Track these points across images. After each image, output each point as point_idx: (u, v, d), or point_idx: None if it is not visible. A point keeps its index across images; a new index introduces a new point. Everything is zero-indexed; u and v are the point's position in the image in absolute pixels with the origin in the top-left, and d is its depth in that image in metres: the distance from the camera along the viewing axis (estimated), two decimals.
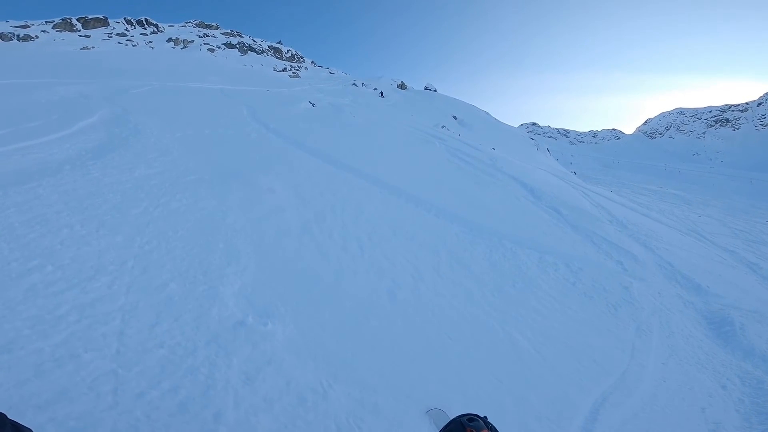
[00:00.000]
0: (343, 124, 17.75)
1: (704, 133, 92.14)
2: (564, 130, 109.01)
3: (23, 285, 3.78)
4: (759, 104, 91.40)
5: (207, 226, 5.81)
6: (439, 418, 3.36)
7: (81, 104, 12.44)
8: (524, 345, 4.85)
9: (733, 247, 13.40)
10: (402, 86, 45.61)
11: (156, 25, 56.16)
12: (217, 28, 62.55)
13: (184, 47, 51.27)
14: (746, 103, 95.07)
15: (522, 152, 25.70)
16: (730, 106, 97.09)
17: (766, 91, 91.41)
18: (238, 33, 62.01)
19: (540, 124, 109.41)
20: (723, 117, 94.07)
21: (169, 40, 51.94)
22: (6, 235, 4.53)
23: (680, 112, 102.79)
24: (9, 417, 1.45)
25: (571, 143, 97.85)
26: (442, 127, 23.78)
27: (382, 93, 34.64)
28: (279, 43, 63.58)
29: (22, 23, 43.28)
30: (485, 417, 1.65)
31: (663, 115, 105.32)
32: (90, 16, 49.68)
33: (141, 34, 52.29)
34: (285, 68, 50.69)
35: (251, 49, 57.68)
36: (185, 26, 61.02)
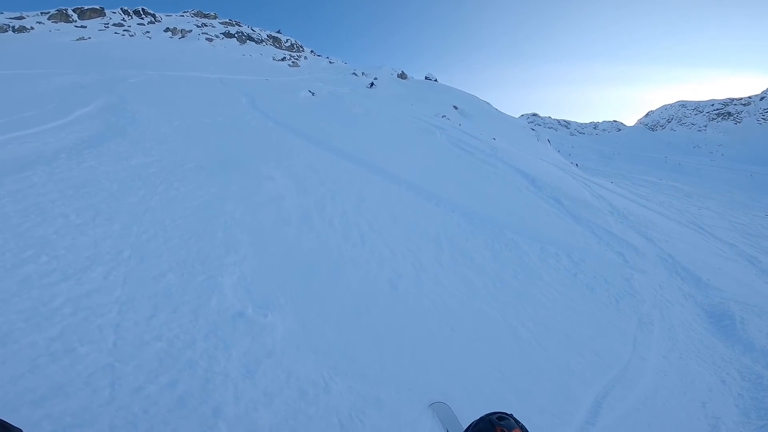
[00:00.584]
0: (343, 113, 17.57)
1: (706, 126, 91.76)
2: (565, 121, 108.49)
3: (17, 276, 3.70)
4: (762, 98, 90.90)
5: (205, 214, 5.73)
6: (442, 412, 3.32)
7: (77, 94, 12.25)
8: (526, 337, 4.81)
9: (732, 240, 13.39)
10: (402, 76, 45.19)
11: (153, 15, 55.35)
12: (215, 17, 61.69)
13: (182, 37, 50.62)
14: (749, 97, 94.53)
15: (523, 143, 25.55)
16: (732, 99, 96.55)
17: None
18: (236, 22, 61.19)
19: (541, 115, 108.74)
20: (725, 110, 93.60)
21: (167, 29, 51.24)
22: (0, 224, 4.44)
23: (682, 104, 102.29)
24: None
25: (572, 134, 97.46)
26: (443, 117, 23.58)
27: (372, 83, 32.73)
28: (278, 32, 62.78)
29: (18, 14, 42.61)
30: (512, 414, 1.60)
31: (665, 108, 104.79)
32: (86, 7, 48.91)
33: (138, 24, 51.55)
34: (284, 57, 50.12)
35: (250, 38, 56.96)
36: (183, 16, 60.17)
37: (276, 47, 58.36)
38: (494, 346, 4.52)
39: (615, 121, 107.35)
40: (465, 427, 3.06)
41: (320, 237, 5.99)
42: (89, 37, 39.12)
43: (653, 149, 76.13)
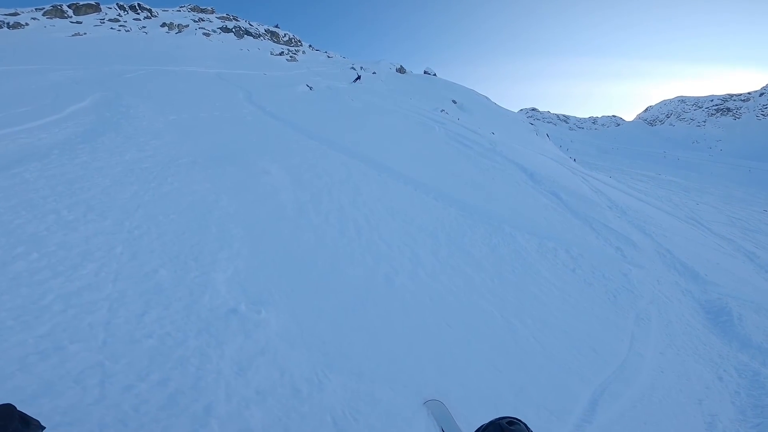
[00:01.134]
0: (341, 107, 17.45)
1: (705, 122, 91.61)
2: (564, 115, 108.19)
3: (7, 274, 3.65)
4: (761, 94, 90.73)
5: (199, 209, 5.66)
6: (437, 410, 3.29)
7: (72, 89, 12.12)
8: (523, 333, 4.77)
9: (730, 235, 13.35)
10: (401, 70, 44.93)
11: (149, 10, 54.86)
12: (212, 12, 61.17)
13: (179, 32, 50.24)
14: (748, 93, 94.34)
15: (522, 137, 25.46)
16: (731, 95, 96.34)
17: None
18: (234, 17, 60.70)
19: (540, 110, 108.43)
20: (724, 106, 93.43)
21: (164, 24, 50.83)
22: None
23: (681, 100, 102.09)
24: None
25: (571, 129, 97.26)
26: (442, 111, 23.43)
27: (358, 77, 30.67)
28: (276, 27, 62.32)
29: (12, 11, 42.22)
30: (521, 420, 1.57)
31: (664, 103, 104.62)
32: (81, 2, 48.45)
33: (134, 19, 51.11)
34: (282, 52, 49.79)
35: (248, 33, 56.56)
36: (180, 11, 59.64)
37: (274, 42, 57.96)
38: (491, 342, 4.49)
39: (614, 116, 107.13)
40: (458, 426, 3.02)
41: (316, 231, 5.94)
42: (84, 33, 38.82)
43: (652, 144, 76.08)
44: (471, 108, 30.58)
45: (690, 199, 22.63)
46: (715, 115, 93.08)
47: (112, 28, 44.72)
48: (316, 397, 3.17)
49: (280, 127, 11.86)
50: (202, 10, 60.98)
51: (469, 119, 23.79)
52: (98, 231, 4.58)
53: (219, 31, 54.00)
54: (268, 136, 10.65)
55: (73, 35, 37.01)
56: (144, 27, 48.50)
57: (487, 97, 40.94)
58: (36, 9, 44.94)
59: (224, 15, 61.11)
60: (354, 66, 40.19)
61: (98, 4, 50.05)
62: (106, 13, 49.76)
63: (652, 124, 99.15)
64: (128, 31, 45.24)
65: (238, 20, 60.20)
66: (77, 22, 44.52)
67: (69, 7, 46.98)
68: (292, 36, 61.67)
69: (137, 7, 53.63)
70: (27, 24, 39.73)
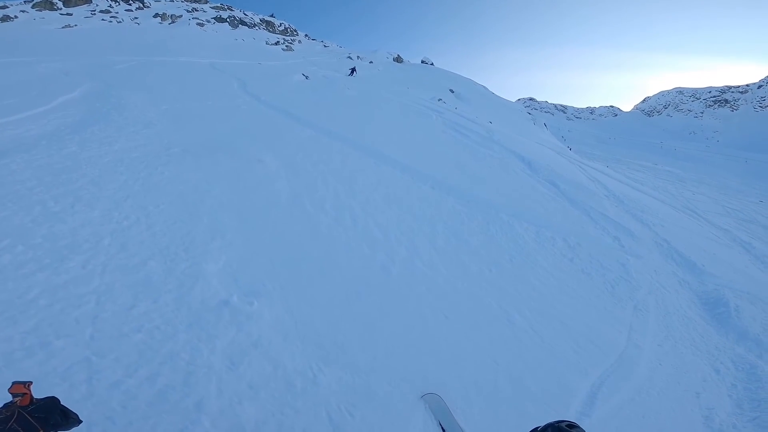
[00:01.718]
0: (338, 96, 17.22)
1: (702, 113, 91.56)
2: (562, 105, 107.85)
3: None
4: (759, 86, 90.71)
5: (191, 199, 5.54)
6: (434, 404, 3.23)
7: (61, 81, 11.82)
8: (521, 324, 4.71)
9: (726, 225, 13.35)
10: (398, 59, 44.44)
11: (141, 1, 53.71)
12: (206, 2, 60.03)
13: (172, 22, 49.33)
14: (746, 85, 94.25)
15: (519, 126, 25.26)
16: (730, 87, 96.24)
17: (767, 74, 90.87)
18: (228, 7, 59.64)
19: (538, 100, 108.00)
20: (722, 98, 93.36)
21: (156, 15, 49.86)
22: None
23: (679, 91, 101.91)
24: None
25: (569, 119, 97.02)
26: (439, 100, 23.17)
27: (353, 70, 27.20)
28: (271, 16, 61.35)
29: (1, 4, 41.30)
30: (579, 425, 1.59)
31: (662, 94, 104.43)
32: None
33: (126, 10, 50.05)
34: (278, 42, 49.08)
35: (242, 23, 55.64)
36: (173, 1, 58.51)
37: (269, 31, 57.12)
38: (489, 333, 4.43)
39: (612, 106, 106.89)
40: (456, 420, 2.96)
41: (311, 220, 5.84)
42: (75, 25, 38.05)
43: (649, 135, 76.03)
44: (469, 97, 30.30)
45: (686, 190, 22.65)
46: (712, 106, 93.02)
47: (103, 20, 43.83)
48: (310, 391, 3.10)
49: (275, 116, 11.68)
50: (196, 0, 59.93)
51: (466, 108, 23.56)
52: (86, 222, 4.46)
53: (213, 21, 53.10)
54: (262, 126, 10.48)
55: (63, 27, 36.29)
56: (136, 18, 47.59)
57: (485, 87, 40.62)
58: (25, 1, 43.96)
59: (218, 5, 60.08)
60: (350, 55, 39.72)
61: None
62: (97, 5, 48.73)
63: (649, 115, 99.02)
64: (120, 22, 44.37)
65: (232, 10, 59.20)
66: (67, 14, 43.60)
67: None
68: (287, 25, 60.78)
69: None
70: (16, 17, 38.88)
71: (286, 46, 47.67)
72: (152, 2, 55.80)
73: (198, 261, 4.24)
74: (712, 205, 18.10)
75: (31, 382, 1.71)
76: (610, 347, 4.72)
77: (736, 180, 33.77)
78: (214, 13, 55.30)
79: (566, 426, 1.51)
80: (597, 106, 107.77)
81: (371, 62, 37.74)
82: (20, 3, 43.61)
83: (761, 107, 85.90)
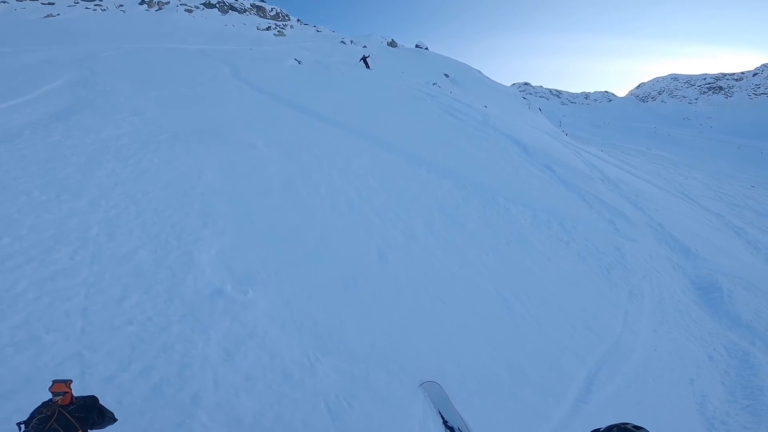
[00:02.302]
0: (331, 80, 16.92)
1: (696, 99, 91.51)
2: (556, 90, 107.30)
3: None
4: (755, 74, 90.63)
5: (181, 186, 5.41)
6: (433, 392, 3.21)
7: (45, 70, 11.40)
8: (519, 309, 4.70)
9: (718, 209, 13.41)
10: (392, 44, 43.73)
11: None
12: None
13: (159, 9, 47.87)
14: (741, 73, 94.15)
15: (514, 111, 25.09)
16: (725, 74, 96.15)
17: (763, 63, 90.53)
18: None
19: (533, 84, 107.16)
20: (717, 84, 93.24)
21: (142, 2, 48.30)
22: None
23: (674, 77, 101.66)
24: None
25: (563, 104, 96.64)
26: (434, 84, 22.89)
27: (365, 58, 23.13)
28: (262, 1, 59.96)
29: None
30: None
31: (657, 80, 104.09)
32: None
33: None
34: (269, 27, 47.98)
35: (232, 8, 54.22)
36: None
37: (260, 16, 55.80)
38: (487, 319, 4.40)
39: (606, 91, 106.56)
40: (455, 408, 2.93)
41: (305, 205, 5.75)
42: (58, 14, 36.79)
43: (643, 120, 75.97)
44: (464, 81, 29.99)
45: (679, 174, 22.73)
46: (707, 93, 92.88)
47: (87, 8, 42.37)
48: (308, 381, 3.05)
49: (268, 101, 11.44)
50: None
51: (461, 93, 23.33)
52: (73, 212, 4.33)
53: (202, 6, 51.64)
54: (254, 110, 10.26)
55: (45, 17, 35.12)
56: (121, 5, 46.08)
57: (479, 71, 40.22)
58: None
59: None
60: (344, 40, 39.01)
61: None
62: None
63: (644, 101, 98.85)
64: (104, 10, 42.94)
65: None
66: (49, 3, 42.07)
67: None
68: (279, 10, 59.40)
69: None
70: None
71: (278, 31, 46.69)
72: None
73: (190, 249, 4.14)
74: (705, 190, 18.18)
75: (71, 381, 1.72)
76: (607, 333, 4.73)
77: (728, 165, 33.94)
78: None
79: (633, 428, 1.53)
80: (592, 92, 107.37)
81: (365, 46, 37.13)
82: None
83: (755, 94, 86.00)
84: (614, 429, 1.56)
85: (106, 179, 5.17)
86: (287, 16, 60.35)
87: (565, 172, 10.28)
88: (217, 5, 52.98)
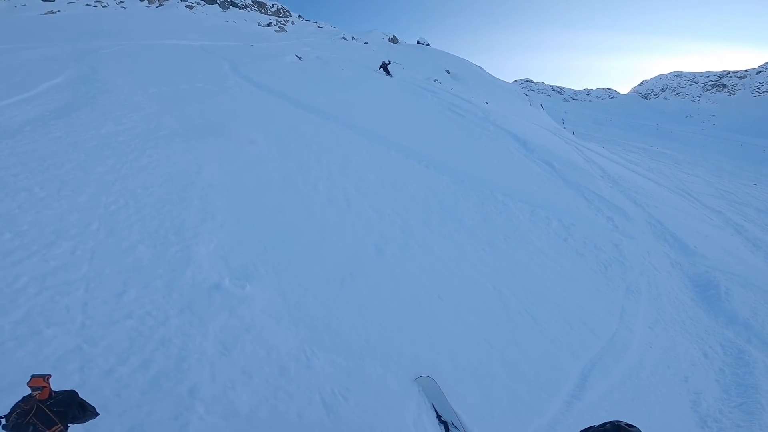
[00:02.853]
0: (332, 77, 16.91)
1: (699, 97, 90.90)
2: (558, 87, 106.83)
3: None
4: (758, 72, 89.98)
5: (180, 181, 5.45)
6: (428, 386, 3.25)
7: (45, 66, 11.42)
8: (515, 306, 4.72)
9: (719, 207, 13.37)
10: (394, 40, 43.58)
11: None
12: None
13: (160, 5, 47.73)
14: (745, 71, 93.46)
15: (515, 107, 25.02)
16: (728, 72, 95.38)
17: (767, 60, 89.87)
18: None
19: (534, 81, 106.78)
20: (720, 82, 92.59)
21: None
22: None
23: (677, 75, 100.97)
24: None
25: (565, 100, 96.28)
26: (435, 80, 22.86)
27: (385, 65, 20.25)
28: None
29: None
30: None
31: (660, 77, 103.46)
32: None
33: None
34: (270, 23, 47.86)
35: (233, 4, 54.05)
36: None
37: (261, 13, 55.62)
38: (483, 315, 4.44)
39: (609, 88, 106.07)
40: (449, 403, 2.96)
41: (304, 201, 5.78)
42: (58, 11, 36.69)
43: (646, 117, 75.69)
44: (465, 78, 29.92)
45: (681, 171, 22.67)
46: (710, 90, 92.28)
47: (87, 5, 42.25)
48: (304, 375, 3.09)
49: (267, 98, 11.46)
50: None
51: (462, 89, 23.28)
52: (73, 207, 4.37)
53: (203, 3, 51.49)
54: (254, 107, 10.28)
55: (46, 14, 35.04)
56: (122, 2, 45.94)
57: (481, 68, 40.10)
58: None
59: None
60: (345, 36, 38.89)
61: None
62: None
63: (646, 98, 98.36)
64: (105, 6, 42.83)
65: None
66: (50, 0, 42.08)
67: None
68: (280, 6, 59.22)
69: None
70: None
71: (279, 27, 46.56)
72: None
73: (189, 244, 4.18)
74: (706, 187, 18.13)
75: (50, 375, 1.73)
76: (603, 329, 4.75)
77: (730, 163, 33.79)
78: None
79: (626, 425, 1.58)
80: (594, 88, 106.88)
81: (366, 43, 37.02)
82: None
83: (759, 92, 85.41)
84: (608, 425, 1.61)
85: (106, 175, 5.21)
86: (288, 12, 60.16)
87: (564, 169, 10.28)
88: (218, 2, 52.85)
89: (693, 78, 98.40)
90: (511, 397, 3.45)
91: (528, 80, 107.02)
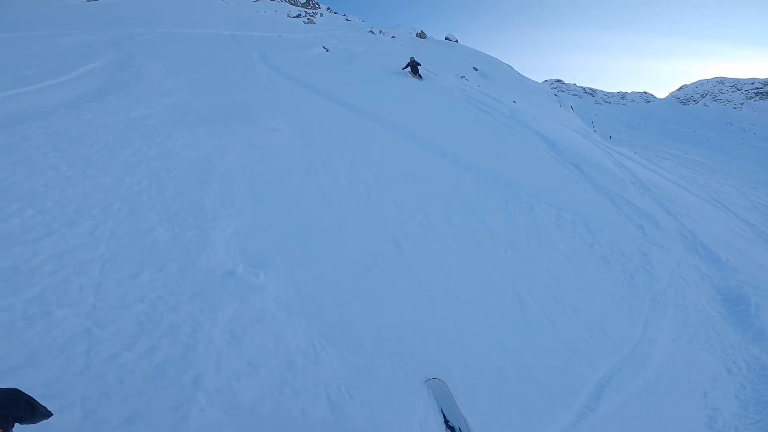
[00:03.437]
0: (358, 69, 16.84)
1: (742, 104, 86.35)
2: (590, 89, 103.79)
3: (1, 231, 3.54)
4: None
5: (203, 166, 5.49)
6: (438, 389, 3.14)
7: (83, 52, 11.74)
8: (534, 310, 4.55)
9: (753, 220, 12.68)
10: (421, 35, 43.16)
11: None
12: None
13: None
14: None
15: (544, 107, 24.37)
16: None
17: None
18: None
19: (565, 82, 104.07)
20: (765, 89, 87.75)
21: None
22: None
23: (720, 81, 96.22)
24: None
25: (597, 103, 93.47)
26: (462, 77, 22.52)
27: (413, 65, 25.89)
28: None
29: None
30: None
31: (700, 83, 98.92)
32: None
33: None
34: (299, 14, 48.19)
35: None
36: None
37: (291, 4, 56.08)
38: (500, 318, 4.29)
39: (645, 92, 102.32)
40: (458, 407, 2.86)
41: (324, 191, 5.74)
42: None
43: (682, 123, 72.73)
44: (493, 76, 29.40)
45: (715, 181, 21.67)
46: (753, 98, 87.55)
47: None
48: (311, 370, 3.03)
49: (293, 87, 11.49)
50: None
51: (490, 87, 22.85)
52: (97, 187, 4.45)
53: None
54: (279, 96, 10.32)
55: (87, 1, 36.30)
56: None
57: (510, 66, 39.27)
58: None
59: None
60: (373, 30, 38.74)
61: None
62: None
63: (684, 103, 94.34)
64: None
65: None
66: None
67: None
68: None
69: None
70: None
71: (308, 19, 46.80)
72: None
73: (206, 228, 4.19)
74: (741, 199, 17.25)
75: None
76: (624, 340, 4.53)
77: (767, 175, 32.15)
78: None
79: None
80: (629, 92, 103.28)
81: (393, 37, 36.78)
82: None
83: None
84: None
85: (132, 156, 5.29)
86: (317, 4, 60.45)
87: (593, 172, 9.91)
88: None
89: (737, 84, 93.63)
90: (522, 404, 3.31)
91: (558, 80, 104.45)
